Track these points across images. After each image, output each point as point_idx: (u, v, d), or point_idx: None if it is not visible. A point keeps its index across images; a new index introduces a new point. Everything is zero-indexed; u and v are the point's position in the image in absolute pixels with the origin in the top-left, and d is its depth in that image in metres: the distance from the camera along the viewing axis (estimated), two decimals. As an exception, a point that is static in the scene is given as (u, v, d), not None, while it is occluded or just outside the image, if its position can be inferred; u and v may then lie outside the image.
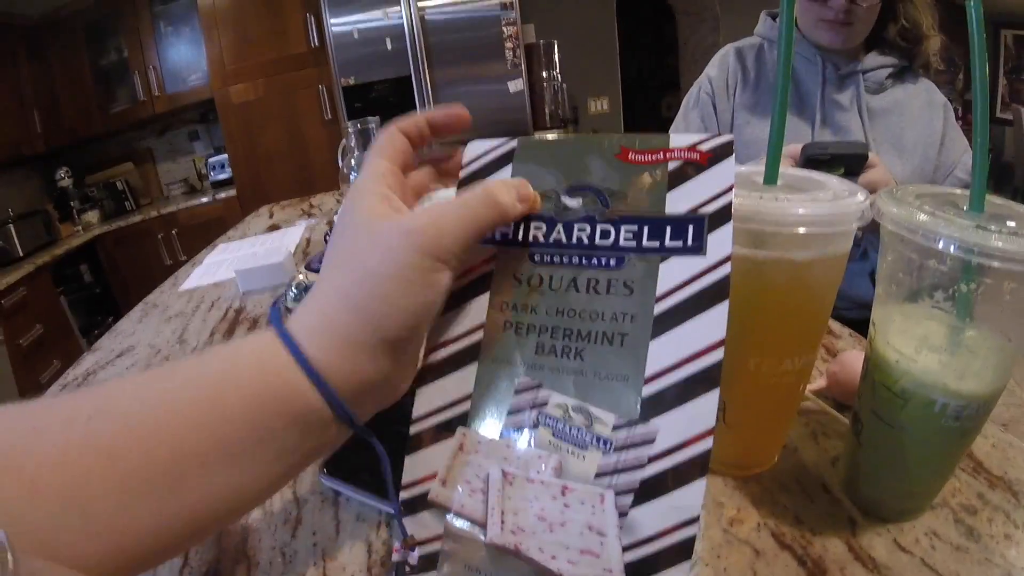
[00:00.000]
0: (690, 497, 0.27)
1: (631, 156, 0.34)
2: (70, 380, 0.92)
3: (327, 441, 0.31)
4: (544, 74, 3.77)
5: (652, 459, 0.29)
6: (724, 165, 0.32)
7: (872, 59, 1.11)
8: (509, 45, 3.20)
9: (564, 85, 3.90)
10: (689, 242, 0.31)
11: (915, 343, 0.36)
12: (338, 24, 3.14)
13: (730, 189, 0.32)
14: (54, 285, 3.44)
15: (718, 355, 0.29)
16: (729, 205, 0.31)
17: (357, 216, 0.32)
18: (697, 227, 0.31)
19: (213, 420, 0.27)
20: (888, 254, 0.38)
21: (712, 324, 0.29)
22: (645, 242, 0.32)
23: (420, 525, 0.33)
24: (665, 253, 0.32)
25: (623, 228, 0.33)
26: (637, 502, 0.28)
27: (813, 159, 0.80)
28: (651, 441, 0.29)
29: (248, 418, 0.28)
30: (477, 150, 0.39)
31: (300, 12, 3.56)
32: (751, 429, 0.47)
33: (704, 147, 0.33)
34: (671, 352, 0.30)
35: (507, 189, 0.33)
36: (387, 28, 3.14)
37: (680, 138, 0.34)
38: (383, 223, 0.31)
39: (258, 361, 0.29)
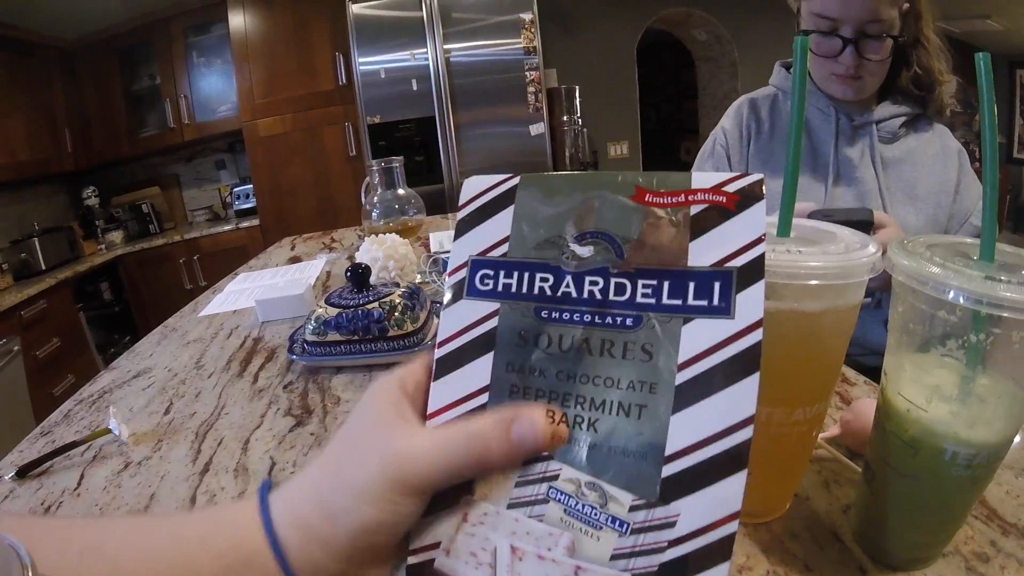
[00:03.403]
0: None
1: (648, 198, 0.31)
2: (85, 396, 0.93)
3: None
4: (565, 118, 3.82)
5: (672, 543, 0.27)
6: (754, 211, 0.29)
7: (885, 109, 1.11)
8: (531, 89, 3.26)
9: (584, 129, 3.95)
10: (715, 301, 0.28)
11: (926, 392, 0.37)
12: (366, 64, 3.23)
13: (761, 240, 0.29)
14: (74, 301, 3.48)
15: (747, 433, 0.27)
16: (761, 258, 0.28)
17: (361, 414, 0.33)
18: (724, 284, 0.29)
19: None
20: (899, 305, 0.38)
21: (741, 398, 0.27)
22: (665, 299, 0.30)
23: None
24: (688, 313, 0.29)
25: (640, 282, 0.30)
26: None
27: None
28: (672, 524, 0.27)
29: None
30: (475, 188, 0.36)
31: (329, 51, 3.65)
32: (762, 477, 0.46)
33: (731, 188, 0.30)
34: (695, 428, 0.27)
35: (500, 437, 0.30)
36: (413, 69, 3.22)
37: (703, 177, 0.31)
38: (373, 436, 0.32)
39: (236, 529, 0.31)
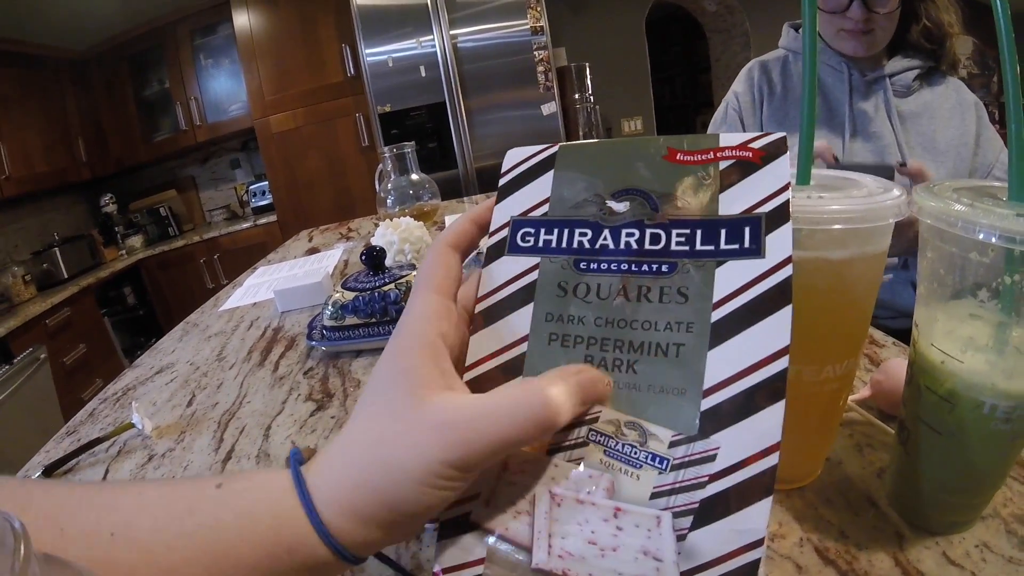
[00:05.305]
0: (755, 518, 0.26)
1: (679, 157, 0.33)
2: (109, 395, 0.94)
3: None
4: (576, 96, 3.80)
5: (713, 478, 0.27)
6: (779, 163, 0.31)
7: (898, 62, 1.10)
8: (541, 69, 3.23)
9: (597, 107, 3.92)
10: (746, 244, 0.30)
11: (960, 343, 0.35)
12: (373, 54, 3.22)
13: (786, 188, 0.30)
14: (98, 307, 3.54)
15: (783, 364, 0.27)
16: (787, 204, 0.30)
17: (399, 374, 0.31)
18: (754, 228, 0.30)
19: (226, 569, 0.28)
20: (928, 251, 0.37)
21: (775, 330, 0.28)
22: (699, 246, 0.31)
23: (461, 549, 0.31)
24: (721, 257, 0.30)
25: (674, 232, 0.31)
26: (697, 524, 0.27)
27: None
28: (711, 458, 0.27)
29: (260, 569, 0.29)
30: (516, 157, 0.38)
31: (335, 43, 3.66)
32: (793, 441, 0.45)
33: (756, 145, 0.32)
34: (731, 362, 0.28)
35: (569, 398, 0.29)
36: (421, 56, 3.21)
37: (730, 137, 0.33)
38: (419, 407, 0.29)
39: (274, 518, 0.29)
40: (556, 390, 0.29)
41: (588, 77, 3.85)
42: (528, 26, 3.17)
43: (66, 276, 3.41)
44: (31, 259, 3.40)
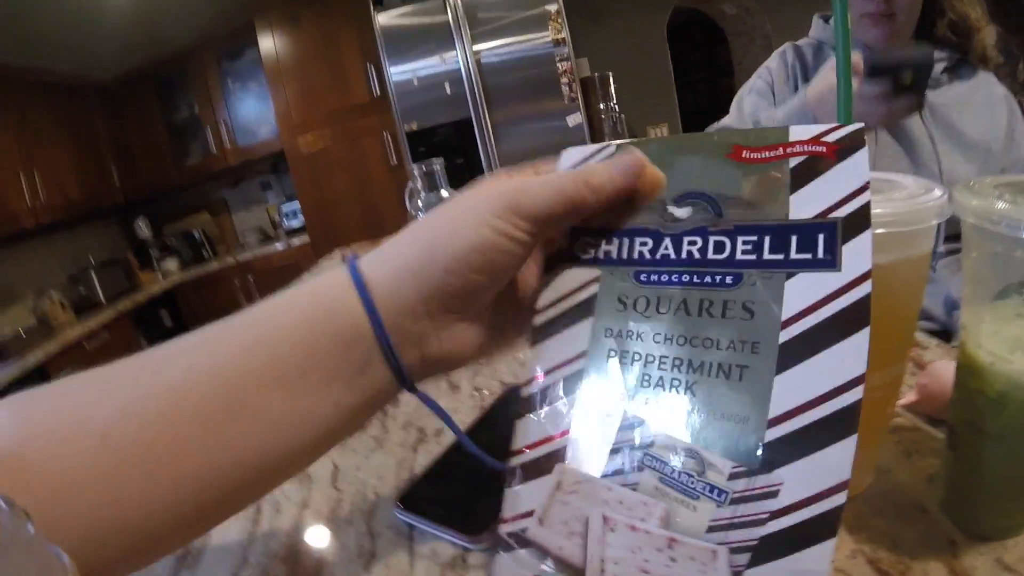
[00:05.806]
0: (817, 559, 0.24)
1: (745, 155, 0.31)
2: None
3: (374, 384, 0.32)
4: (601, 106, 3.79)
5: (774, 514, 0.25)
6: (857, 158, 0.28)
7: None
8: (565, 80, 3.23)
9: (622, 115, 3.91)
10: (820, 254, 0.27)
11: (1009, 343, 0.34)
12: (398, 72, 3.25)
13: (866, 188, 0.27)
14: (135, 329, 3.61)
15: (857, 394, 0.25)
16: (867, 207, 0.27)
17: (454, 196, 0.34)
18: (829, 235, 0.27)
19: (268, 339, 0.30)
20: (972, 251, 0.36)
21: (850, 356, 0.25)
22: (767, 255, 0.28)
23: (518, 563, 0.30)
24: (791, 268, 0.28)
25: (740, 239, 0.29)
26: (755, 562, 0.25)
27: (878, 67, 0.80)
28: (774, 494, 0.25)
29: (299, 336, 0.30)
30: (573, 157, 0.36)
31: (360, 63, 3.70)
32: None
33: (831, 138, 0.29)
34: (800, 389, 0.26)
35: (605, 169, 0.32)
36: (445, 73, 3.23)
37: (801, 130, 0.30)
38: (472, 190, 0.33)
39: (315, 287, 0.32)
40: (595, 168, 0.33)
41: (612, 86, 3.85)
42: (550, 38, 3.18)
43: (103, 300, 3.49)
44: (68, 284, 3.48)
